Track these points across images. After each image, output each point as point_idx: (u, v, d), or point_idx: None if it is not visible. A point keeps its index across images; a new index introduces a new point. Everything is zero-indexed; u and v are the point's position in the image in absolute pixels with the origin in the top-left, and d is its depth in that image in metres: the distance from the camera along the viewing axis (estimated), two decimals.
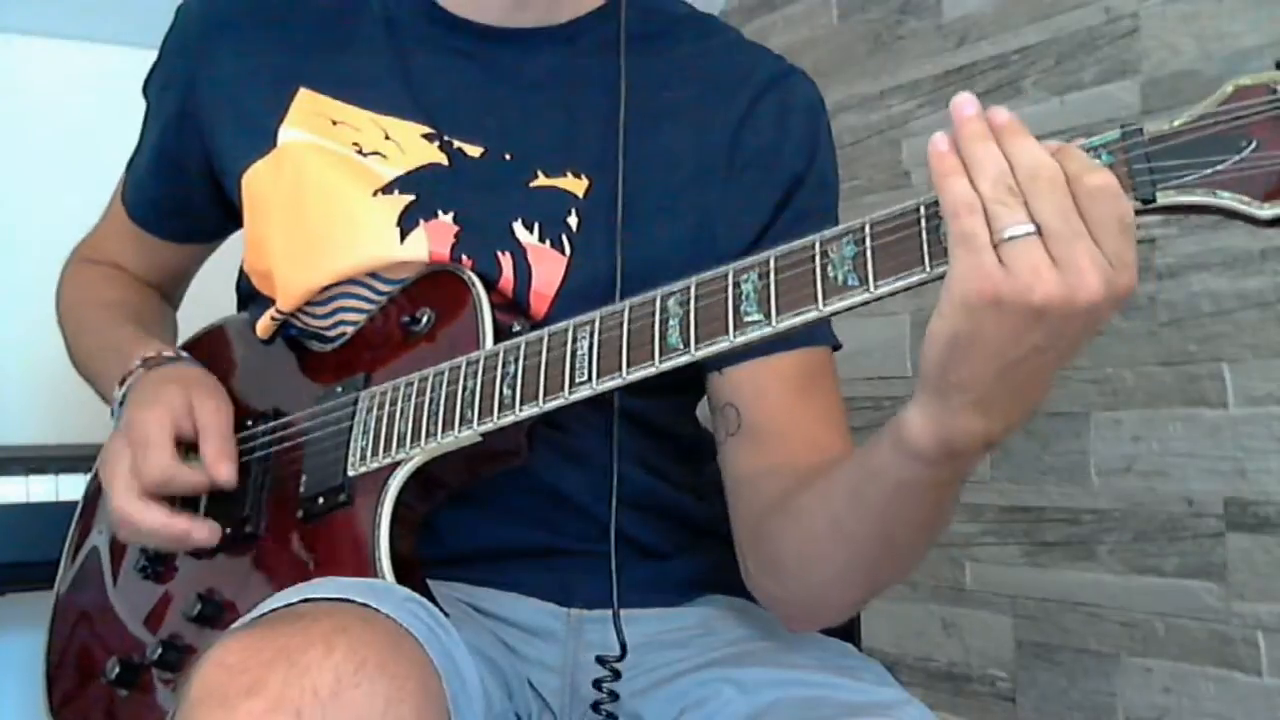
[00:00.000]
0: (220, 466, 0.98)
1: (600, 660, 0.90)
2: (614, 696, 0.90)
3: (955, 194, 0.68)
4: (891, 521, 0.82)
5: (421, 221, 0.98)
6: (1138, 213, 0.69)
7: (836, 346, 1.03)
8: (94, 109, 1.82)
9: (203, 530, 0.98)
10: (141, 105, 1.15)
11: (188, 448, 0.99)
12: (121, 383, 1.05)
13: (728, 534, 1.00)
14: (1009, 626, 1.89)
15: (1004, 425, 0.74)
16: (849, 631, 1.05)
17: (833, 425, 0.98)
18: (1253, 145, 0.67)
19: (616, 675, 0.90)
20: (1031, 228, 0.67)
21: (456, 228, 0.98)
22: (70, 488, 1.47)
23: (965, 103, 0.70)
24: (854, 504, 0.83)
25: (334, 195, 1.00)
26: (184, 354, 1.09)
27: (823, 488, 0.87)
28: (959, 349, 0.70)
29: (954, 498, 0.83)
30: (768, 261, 0.78)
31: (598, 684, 0.90)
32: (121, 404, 1.03)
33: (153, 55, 1.13)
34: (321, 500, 0.94)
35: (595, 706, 0.90)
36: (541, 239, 0.98)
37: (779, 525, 0.91)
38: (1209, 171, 0.67)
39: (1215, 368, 1.62)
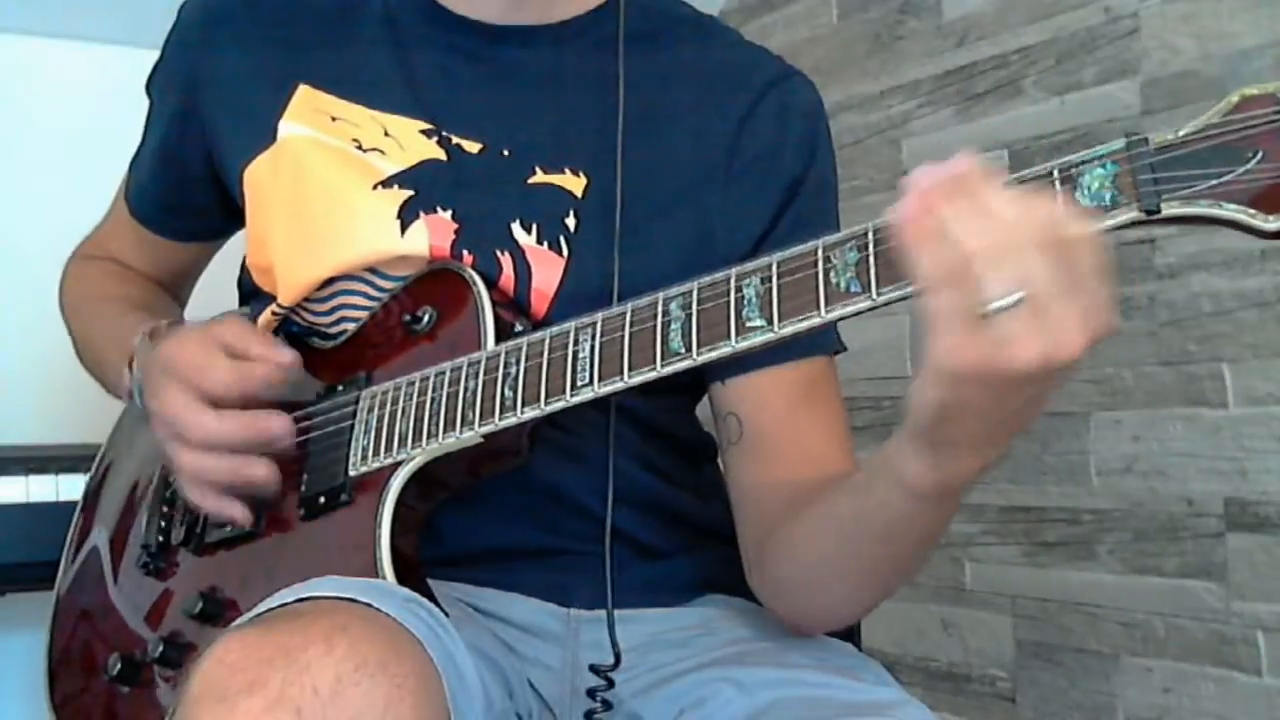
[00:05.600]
0: (278, 352, 0.95)
1: (595, 669, 0.91)
2: (608, 706, 0.90)
3: (934, 264, 0.65)
4: (897, 543, 0.85)
5: (422, 214, 0.98)
6: (1141, 223, 0.68)
7: (841, 350, 1.03)
8: (94, 109, 1.82)
9: (281, 420, 0.94)
10: (143, 105, 1.15)
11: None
12: (130, 363, 1.04)
13: (729, 534, 1.00)
14: (1009, 626, 1.89)
15: (998, 456, 0.76)
16: (849, 631, 1.05)
17: (834, 436, 0.99)
18: (1259, 156, 0.66)
19: (610, 684, 0.90)
20: (1019, 295, 0.63)
21: (456, 224, 0.98)
22: (70, 488, 1.47)
23: (921, 176, 0.67)
24: (860, 530, 0.86)
25: (334, 189, 1.00)
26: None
27: (825, 514, 0.89)
28: (948, 414, 0.71)
29: (955, 510, 0.85)
30: (770, 266, 0.78)
31: (591, 693, 0.90)
32: (137, 385, 1.02)
33: (153, 55, 1.13)
34: (323, 499, 0.94)
35: (588, 716, 0.90)
36: (539, 240, 0.98)
37: (783, 553, 0.93)
38: (1215, 183, 0.66)
39: (1215, 368, 1.63)
